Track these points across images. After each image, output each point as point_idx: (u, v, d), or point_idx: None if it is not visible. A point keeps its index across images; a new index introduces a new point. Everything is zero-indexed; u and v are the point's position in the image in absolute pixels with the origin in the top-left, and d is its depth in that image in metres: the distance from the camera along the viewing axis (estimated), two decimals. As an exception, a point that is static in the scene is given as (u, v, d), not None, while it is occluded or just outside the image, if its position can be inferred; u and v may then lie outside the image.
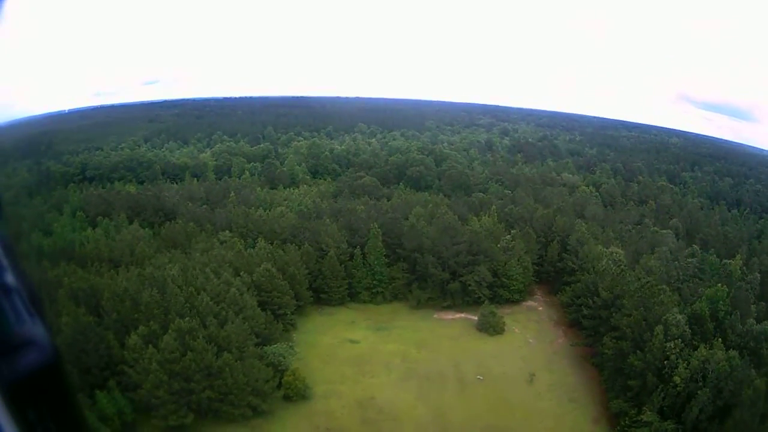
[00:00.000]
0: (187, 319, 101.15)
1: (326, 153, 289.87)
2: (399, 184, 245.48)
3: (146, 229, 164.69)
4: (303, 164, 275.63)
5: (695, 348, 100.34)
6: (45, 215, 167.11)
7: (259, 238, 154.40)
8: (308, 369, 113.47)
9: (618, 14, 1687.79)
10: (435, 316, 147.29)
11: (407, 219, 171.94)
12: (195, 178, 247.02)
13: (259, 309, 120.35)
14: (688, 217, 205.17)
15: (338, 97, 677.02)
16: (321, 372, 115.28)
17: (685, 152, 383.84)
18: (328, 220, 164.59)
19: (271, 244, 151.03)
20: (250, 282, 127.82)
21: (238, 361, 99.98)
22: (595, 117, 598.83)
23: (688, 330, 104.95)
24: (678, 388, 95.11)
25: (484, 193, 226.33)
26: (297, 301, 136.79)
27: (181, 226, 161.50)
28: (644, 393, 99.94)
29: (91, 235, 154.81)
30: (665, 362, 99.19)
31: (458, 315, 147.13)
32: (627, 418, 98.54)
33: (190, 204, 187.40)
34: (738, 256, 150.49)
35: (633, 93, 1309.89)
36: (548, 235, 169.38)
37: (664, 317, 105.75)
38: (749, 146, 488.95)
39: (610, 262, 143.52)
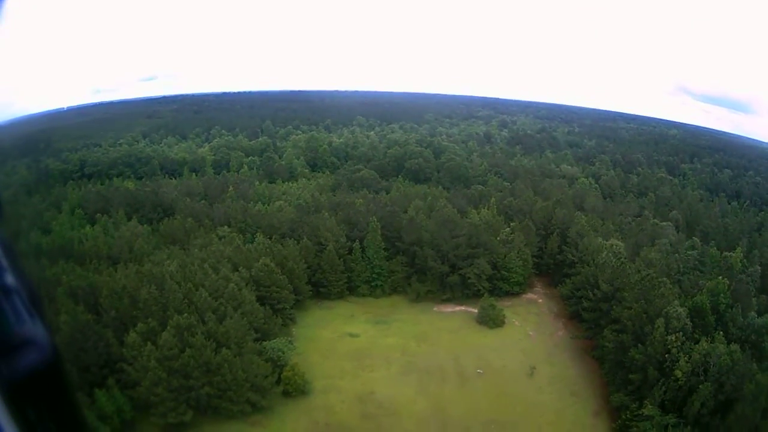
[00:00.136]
0: (185, 315, 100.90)
1: (325, 146, 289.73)
2: (398, 177, 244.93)
3: (145, 225, 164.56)
4: (301, 158, 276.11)
5: (696, 341, 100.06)
6: (44, 213, 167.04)
7: (258, 233, 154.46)
8: (307, 364, 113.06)
9: (617, 5, 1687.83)
10: (434, 309, 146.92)
11: (406, 212, 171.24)
12: (193, 173, 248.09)
13: (257, 304, 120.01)
14: (687, 209, 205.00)
15: (337, 91, 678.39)
16: (320, 366, 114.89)
17: (684, 144, 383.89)
18: (326, 213, 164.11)
19: (270, 238, 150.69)
20: (249, 277, 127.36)
21: (237, 357, 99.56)
22: (593, 109, 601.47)
23: (689, 323, 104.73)
24: (679, 382, 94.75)
25: (483, 185, 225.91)
26: (296, 295, 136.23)
27: (180, 221, 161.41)
28: (645, 387, 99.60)
29: (90, 232, 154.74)
30: (666, 356, 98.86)
31: (458, 308, 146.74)
32: (628, 412, 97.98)
33: (188, 199, 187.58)
34: (738, 249, 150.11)
35: (631, 85, 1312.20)
36: (548, 227, 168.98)
37: (665, 310, 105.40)
38: (748, 138, 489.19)
39: (610, 254, 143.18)
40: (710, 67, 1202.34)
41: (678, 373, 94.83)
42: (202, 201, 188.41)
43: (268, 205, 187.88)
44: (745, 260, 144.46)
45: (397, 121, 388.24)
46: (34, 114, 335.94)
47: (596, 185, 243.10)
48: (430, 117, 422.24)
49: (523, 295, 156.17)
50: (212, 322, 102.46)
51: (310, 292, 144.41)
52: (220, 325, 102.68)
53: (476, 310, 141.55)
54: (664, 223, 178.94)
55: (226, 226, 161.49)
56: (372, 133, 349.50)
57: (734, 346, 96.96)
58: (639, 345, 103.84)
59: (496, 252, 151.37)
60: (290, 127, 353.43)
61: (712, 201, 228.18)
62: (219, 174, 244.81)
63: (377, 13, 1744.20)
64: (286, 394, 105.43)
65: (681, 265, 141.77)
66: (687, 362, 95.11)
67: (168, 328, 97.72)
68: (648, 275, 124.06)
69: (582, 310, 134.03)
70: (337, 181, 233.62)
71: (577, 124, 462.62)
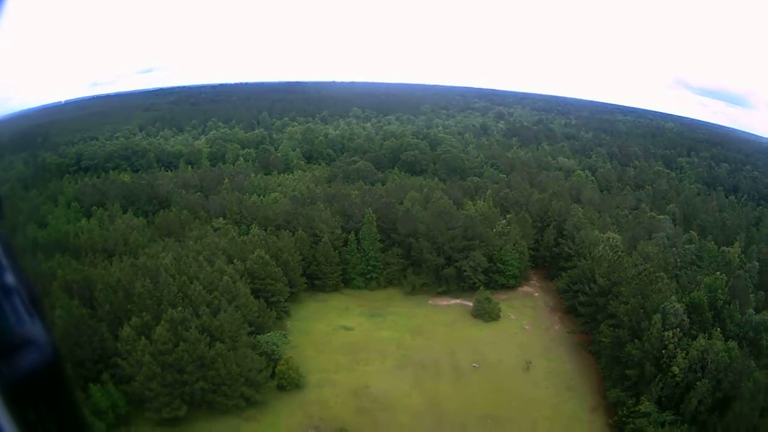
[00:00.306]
0: (179, 309, 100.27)
1: (321, 138, 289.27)
2: (394, 169, 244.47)
3: (140, 218, 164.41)
4: (297, 149, 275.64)
5: (694, 338, 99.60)
6: (40, 207, 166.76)
7: (253, 225, 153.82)
8: (302, 357, 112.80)
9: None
10: (430, 302, 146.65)
11: (402, 204, 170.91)
12: (189, 166, 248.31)
13: (252, 297, 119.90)
14: (685, 202, 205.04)
15: (333, 82, 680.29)
16: (315, 360, 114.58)
17: (681, 137, 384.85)
18: (322, 205, 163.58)
19: (265, 230, 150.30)
20: (244, 269, 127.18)
21: (231, 351, 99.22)
22: (590, 101, 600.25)
23: (686, 319, 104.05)
24: (676, 379, 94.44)
25: (479, 177, 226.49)
26: (291, 287, 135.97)
27: (175, 214, 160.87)
28: (642, 382, 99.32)
29: (86, 225, 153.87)
30: (663, 352, 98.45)
31: (453, 301, 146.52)
32: (625, 408, 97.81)
33: (184, 192, 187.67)
34: (736, 244, 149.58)
35: (629, 77, 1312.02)
36: (544, 219, 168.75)
37: (662, 305, 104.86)
38: (746, 132, 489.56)
39: (606, 247, 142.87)
40: (708, 61, 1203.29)
41: (675, 369, 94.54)
42: (198, 193, 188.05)
43: (264, 196, 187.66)
44: (743, 255, 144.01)
45: (393, 112, 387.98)
46: (32, 108, 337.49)
47: (593, 178, 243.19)
48: (426, 108, 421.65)
49: (519, 289, 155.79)
50: (206, 316, 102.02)
51: (305, 285, 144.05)
52: (215, 319, 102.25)
53: (472, 304, 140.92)
54: (661, 217, 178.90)
55: (221, 218, 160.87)
56: (368, 124, 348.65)
57: (732, 343, 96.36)
58: (636, 340, 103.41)
59: (491, 244, 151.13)
60: (286, 118, 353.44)
61: (710, 195, 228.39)
62: (215, 166, 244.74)
63: (374, 3, 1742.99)
64: (280, 388, 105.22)
65: (678, 260, 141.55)
66: (684, 359, 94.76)
67: (162, 322, 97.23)
68: (645, 270, 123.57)
69: (578, 304, 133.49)
70: (333, 172, 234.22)
71: (574, 116, 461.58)
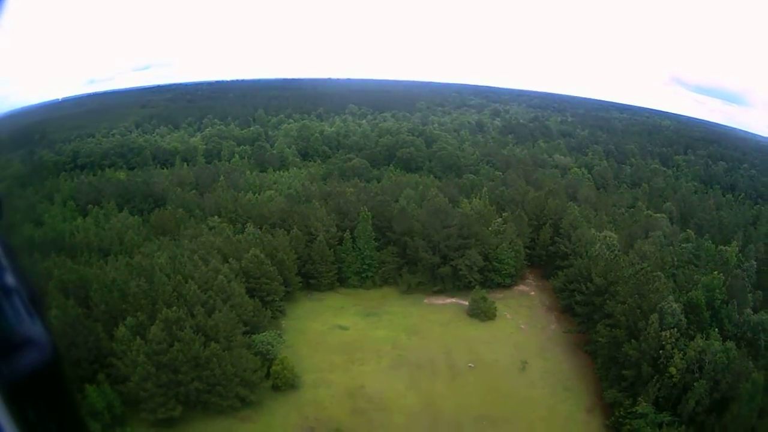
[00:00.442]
0: (174, 308, 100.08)
1: (316, 135, 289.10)
2: (389, 166, 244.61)
3: (136, 216, 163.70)
4: (293, 147, 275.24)
5: (691, 338, 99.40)
6: (37, 205, 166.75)
7: (248, 223, 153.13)
8: (297, 357, 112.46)
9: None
10: (425, 301, 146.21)
11: (397, 201, 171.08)
12: (185, 163, 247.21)
13: (247, 296, 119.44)
14: (681, 201, 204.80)
15: (329, 79, 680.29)
16: (310, 360, 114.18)
17: (677, 135, 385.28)
18: (317, 203, 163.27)
19: (260, 228, 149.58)
20: (239, 268, 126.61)
21: (226, 351, 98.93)
22: (586, 98, 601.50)
23: (683, 319, 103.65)
24: (674, 379, 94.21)
25: (475, 174, 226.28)
26: (286, 287, 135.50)
27: (170, 212, 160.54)
28: (639, 383, 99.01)
29: (82, 224, 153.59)
30: (660, 352, 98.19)
31: (449, 300, 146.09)
32: (622, 409, 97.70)
33: (179, 189, 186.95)
34: (734, 243, 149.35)
35: (625, 74, 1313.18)
36: (540, 218, 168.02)
37: (660, 305, 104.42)
38: (743, 130, 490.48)
39: (603, 246, 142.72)
40: (704, 58, 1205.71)
41: (672, 370, 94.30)
42: (193, 191, 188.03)
43: (259, 194, 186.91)
44: (740, 255, 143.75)
45: (389, 109, 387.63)
46: (30, 105, 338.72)
47: (589, 175, 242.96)
48: (422, 105, 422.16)
49: (515, 288, 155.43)
50: (201, 316, 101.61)
51: (300, 284, 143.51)
52: (209, 319, 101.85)
53: (467, 303, 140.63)
54: (658, 215, 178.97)
55: (216, 216, 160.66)
56: (364, 121, 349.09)
57: (730, 344, 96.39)
58: (633, 341, 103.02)
59: (487, 243, 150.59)
60: (282, 115, 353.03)
61: (707, 193, 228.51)
62: (210, 163, 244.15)
63: (371, 0, 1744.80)
64: (275, 388, 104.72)
65: (675, 259, 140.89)
66: (682, 359, 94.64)
67: (157, 321, 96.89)
68: (642, 269, 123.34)
69: (575, 303, 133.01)
70: (329, 170, 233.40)
71: (570, 113, 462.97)
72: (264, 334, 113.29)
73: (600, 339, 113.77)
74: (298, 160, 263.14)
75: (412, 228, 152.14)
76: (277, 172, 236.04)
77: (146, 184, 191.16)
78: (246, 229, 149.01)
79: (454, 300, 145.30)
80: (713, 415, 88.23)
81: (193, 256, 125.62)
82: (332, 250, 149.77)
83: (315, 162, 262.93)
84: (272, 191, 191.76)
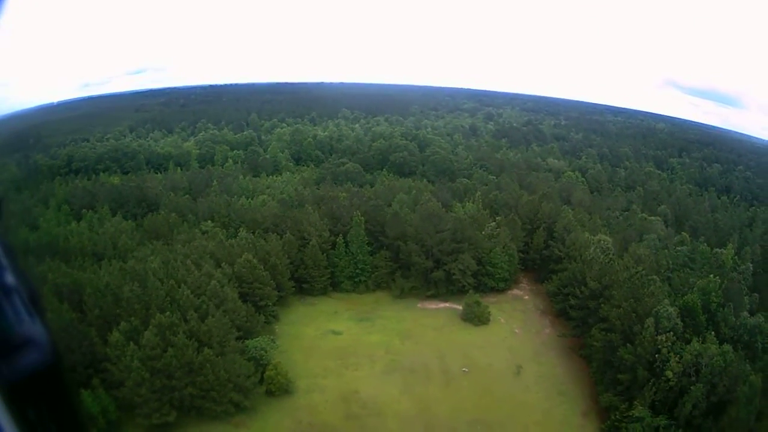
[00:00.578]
0: (167, 313, 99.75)
1: (309, 139, 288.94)
2: (382, 170, 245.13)
3: (129, 220, 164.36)
4: (286, 151, 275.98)
5: (687, 341, 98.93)
6: (32, 209, 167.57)
7: (241, 228, 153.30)
8: (291, 362, 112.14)
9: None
10: (419, 305, 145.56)
11: (390, 206, 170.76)
12: (178, 167, 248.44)
13: (240, 301, 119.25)
14: (676, 203, 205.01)
15: (322, 83, 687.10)
16: (304, 365, 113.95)
17: (672, 138, 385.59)
18: (310, 208, 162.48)
19: (253, 233, 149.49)
20: (232, 273, 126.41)
21: (219, 357, 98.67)
22: (580, 101, 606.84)
23: (679, 323, 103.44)
24: (670, 383, 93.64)
25: (468, 178, 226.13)
26: (279, 291, 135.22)
27: (164, 217, 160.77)
28: (635, 387, 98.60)
29: (76, 228, 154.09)
30: (656, 356, 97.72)
31: (442, 304, 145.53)
32: (617, 413, 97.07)
33: (172, 194, 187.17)
34: (729, 245, 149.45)
35: (619, 77, 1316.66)
36: (534, 221, 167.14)
37: (655, 309, 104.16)
38: (737, 133, 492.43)
39: (597, 250, 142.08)
40: (699, 61, 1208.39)
41: (669, 373, 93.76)
42: (186, 196, 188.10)
43: (252, 199, 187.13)
44: (736, 257, 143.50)
45: (382, 113, 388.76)
46: (25, 109, 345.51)
47: (583, 179, 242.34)
48: (415, 109, 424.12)
49: (509, 292, 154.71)
50: (194, 321, 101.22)
51: (293, 289, 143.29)
52: (202, 324, 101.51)
53: (461, 307, 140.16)
54: (653, 218, 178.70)
55: (209, 221, 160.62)
56: (357, 125, 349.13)
57: (726, 347, 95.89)
58: (628, 345, 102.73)
59: (481, 247, 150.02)
60: (275, 120, 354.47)
61: (702, 196, 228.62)
62: (204, 168, 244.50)
63: (363, 4, 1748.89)
64: (269, 393, 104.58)
65: (670, 262, 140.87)
66: (678, 363, 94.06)
67: (150, 327, 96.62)
68: (637, 273, 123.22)
69: (569, 307, 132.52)
70: (322, 174, 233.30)
71: (563, 117, 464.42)
72: (257, 339, 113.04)
73: (595, 343, 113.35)
74: (291, 164, 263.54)
75: (406, 232, 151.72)
76: (270, 176, 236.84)
77: (140, 189, 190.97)
78: (239, 234, 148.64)
79: (447, 304, 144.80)
80: (710, 419, 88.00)
81: (186, 260, 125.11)
82: (325, 254, 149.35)
83: (308, 166, 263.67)
84: (265, 196, 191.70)
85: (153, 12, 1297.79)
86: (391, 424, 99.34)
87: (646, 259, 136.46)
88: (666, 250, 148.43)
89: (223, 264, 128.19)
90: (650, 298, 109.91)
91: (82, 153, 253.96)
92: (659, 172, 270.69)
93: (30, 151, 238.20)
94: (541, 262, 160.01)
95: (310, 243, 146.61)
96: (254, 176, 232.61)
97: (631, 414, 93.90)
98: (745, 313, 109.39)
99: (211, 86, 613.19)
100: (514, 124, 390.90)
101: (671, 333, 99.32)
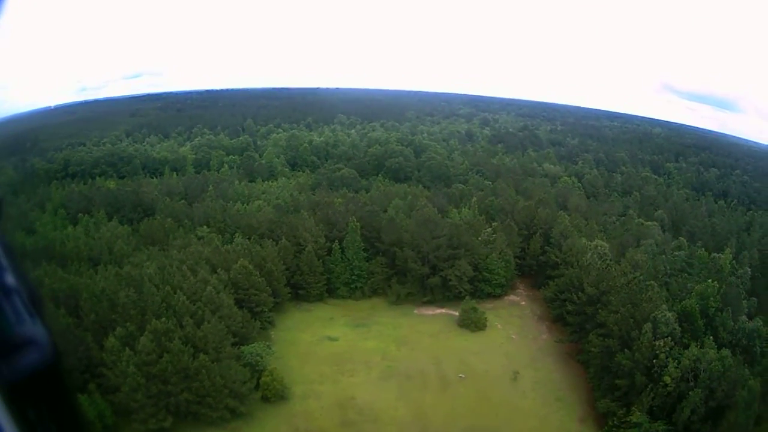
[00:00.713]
0: (163, 319, 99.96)
1: (305, 145, 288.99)
2: (378, 176, 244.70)
3: (125, 225, 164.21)
4: (282, 156, 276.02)
5: (686, 346, 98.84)
6: (29, 213, 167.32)
7: (237, 234, 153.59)
8: (286, 368, 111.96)
9: (601, 1, 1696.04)
10: (415, 311, 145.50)
11: (386, 212, 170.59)
12: (174, 172, 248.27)
13: (236, 307, 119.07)
14: (673, 208, 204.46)
15: (318, 88, 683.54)
16: (300, 371, 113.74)
17: (668, 142, 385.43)
18: (305, 213, 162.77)
19: (249, 239, 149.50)
20: (227, 279, 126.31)
21: (215, 363, 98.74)
22: (576, 106, 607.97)
23: (677, 328, 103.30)
24: (668, 388, 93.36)
25: (464, 184, 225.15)
26: (275, 297, 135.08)
27: (159, 222, 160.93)
28: (633, 393, 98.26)
29: (72, 233, 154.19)
30: (654, 361, 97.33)
31: (439, 310, 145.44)
32: (615, 419, 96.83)
33: (168, 199, 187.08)
34: (727, 250, 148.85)
35: (615, 82, 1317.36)
36: (530, 227, 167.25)
37: (653, 314, 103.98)
38: (734, 137, 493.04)
39: (594, 255, 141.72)
40: (695, 65, 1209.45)
41: (667, 378, 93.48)
42: (182, 201, 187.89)
43: (248, 204, 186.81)
44: (734, 261, 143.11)
45: (378, 119, 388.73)
46: (22, 113, 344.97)
47: (579, 184, 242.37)
48: (411, 115, 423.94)
49: (506, 297, 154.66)
50: (190, 327, 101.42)
51: (289, 294, 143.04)
52: (198, 330, 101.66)
53: (458, 313, 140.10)
54: (650, 223, 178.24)
55: (205, 226, 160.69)
56: (353, 131, 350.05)
57: (725, 352, 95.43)
58: (626, 350, 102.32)
59: (477, 253, 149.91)
60: (271, 125, 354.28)
61: (699, 200, 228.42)
62: (200, 173, 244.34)
63: (359, 10, 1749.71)
64: (265, 399, 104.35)
65: (668, 267, 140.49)
66: (676, 368, 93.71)
67: (146, 332, 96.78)
68: (634, 278, 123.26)
69: (566, 313, 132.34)
70: (317, 180, 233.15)
71: (559, 122, 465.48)
72: (253, 345, 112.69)
73: (592, 349, 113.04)
74: (286, 170, 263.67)
75: (401, 238, 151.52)
76: (266, 182, 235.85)
77: (136, 194, 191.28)
78: (234, 240, 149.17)
79: (444, 310, 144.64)
80: (709, 424, 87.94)
81: (182, 266, 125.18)
82: (321, 260, 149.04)
83: (304, 172, 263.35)
84: (261, 201, 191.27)
85: (150, 17, 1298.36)
86: (388, 431, 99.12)
87: (643, 265, 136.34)
88: (663, 255, 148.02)
89: (218, 270, 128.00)
90: (648, 303, 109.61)
91: (79, 157, 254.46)
92: (656, 176, 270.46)
93: (27, 155, 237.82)
94: (538, 267, 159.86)
95: (306, 249, 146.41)
96: (250, 181, 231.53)
97: (628, 420, 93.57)
98: (744, 318, 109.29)
99: (207, 91, 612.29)
100: (510, 130, 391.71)
101: (669, 338, 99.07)
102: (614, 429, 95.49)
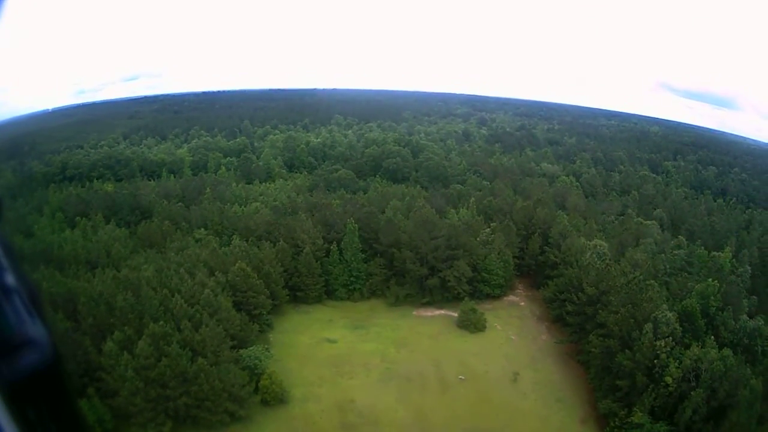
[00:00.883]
0: (161, 323, 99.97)
1: (302, 146, 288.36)
2: (375, 177, 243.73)
3: (123, 228, 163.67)
4: (279, 158, 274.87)
5: (687, 346, 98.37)
6: (27, 217, 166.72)
7: (234, 236, 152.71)
8: (285, 371, 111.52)
9: (597, 1, 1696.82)
10: (414, 313, 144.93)
11: (384, 213, 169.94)
12: (172, 175, 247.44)
13: (234, 310, 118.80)
14: (672, 207, 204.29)
15: (315, 89, 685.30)
16: (299, 374, 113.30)
17: (666, 141, 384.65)
18: (303, 215, 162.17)
19: (246, 241, 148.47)
20: (225, 282, 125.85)
21: (214, 366, 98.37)
22: (573, 105, 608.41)
23: (678, 327, 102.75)
24: (670, 389, 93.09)
25: (462, 184, 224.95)
26: (273, 300, 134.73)
27: (157, 224, 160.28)
28: (634, 393, 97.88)
29: (69, 236, 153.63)
30: (655, 361, 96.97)
31: (438, 312, 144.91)
32: (616, 420, 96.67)
33: (165, 201, 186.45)
34: (727, 248, 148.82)
35: (612, 81, 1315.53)
36: (529, 227, 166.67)
37: (653, 314, 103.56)
38: (732, 135, 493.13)
39: (593, 255, 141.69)
40: (692, 63, 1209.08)
41: (668, 379, 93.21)
42: (180, 203, 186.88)
43: (245, 206, 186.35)
44: (734, 260, 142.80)
45: (375, 119, 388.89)
46: (20, 116, 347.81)
47: (577, 184, 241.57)
48: (408, 115, 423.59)
49: (505, 298, 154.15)
50: (188, 330, 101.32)
51: (287, 297, 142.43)
52: (196, 333, 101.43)
53: (457, 314, 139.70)
54: (649, 222, 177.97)
55: (202, 229, 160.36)
56: (350, 132, 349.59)
57: (726, 351, 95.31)
58: (626, 350, 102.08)
59: (476, 253, 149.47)
60: (268, 126, 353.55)
61: (698, 199, 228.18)
62: (197, 175, 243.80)
63: (355, 11, 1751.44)
64: (264, 402, 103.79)
65: (668, 266, 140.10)
66: (677, 368, 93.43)
67: (144, 336, 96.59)
68: (635, 278, 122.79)
69: (566, 313, 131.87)
70: (315, 181, 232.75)
71: (557, 121, 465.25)
72: (252, 348, 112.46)
73: (593, 349, 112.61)
74: (284, 171, 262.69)
75: (400, 239, 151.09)
76: (264, 183, 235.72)
77: (133, 196, 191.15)
78: (232, 242, 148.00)
79: (443, 312, 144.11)
80: (711, 424, 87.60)
81: (180, 269, 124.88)
82: (319, 262, 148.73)
83: (301, 173, 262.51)
84: (258, 203, 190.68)
85: (147, 19, 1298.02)
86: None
87: (643, 264, 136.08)
88: (663, 255, 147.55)
89: (216, 272, 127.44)
90: (648, 303, 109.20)
91: (77, 160, 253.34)
92: (654, 175, 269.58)
93: (25, 158, 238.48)
94: (537, 267, 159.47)
95: (304, 251, 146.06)
96: (247, 183, 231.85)
97: (630, 420, 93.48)
98: (745, 316, 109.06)
99: (204, 93, 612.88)
100: (508, 129, 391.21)
101: (670, 338, 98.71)
102: (616, 430, 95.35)
